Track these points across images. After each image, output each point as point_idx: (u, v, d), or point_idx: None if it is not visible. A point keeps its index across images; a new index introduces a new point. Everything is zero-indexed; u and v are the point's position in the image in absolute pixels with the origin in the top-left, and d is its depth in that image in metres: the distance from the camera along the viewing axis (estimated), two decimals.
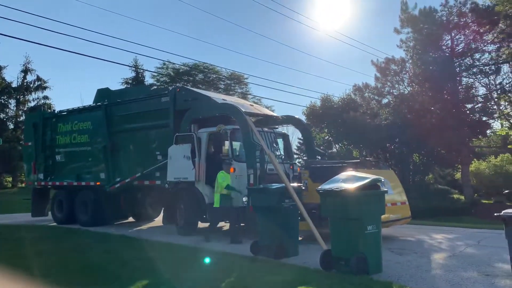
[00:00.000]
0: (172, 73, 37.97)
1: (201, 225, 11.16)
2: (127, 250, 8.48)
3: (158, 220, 13.52)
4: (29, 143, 15.59)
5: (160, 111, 12.01)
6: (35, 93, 39.05)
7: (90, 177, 13.70)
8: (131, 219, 14.70)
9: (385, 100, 28.02)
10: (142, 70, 40.64)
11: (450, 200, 23.29)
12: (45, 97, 39.15)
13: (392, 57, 26.44)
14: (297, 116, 13.06)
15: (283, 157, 11.75)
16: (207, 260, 6.37)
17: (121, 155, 13.02)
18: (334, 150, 31.48)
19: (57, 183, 14.66)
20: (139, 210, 14.27)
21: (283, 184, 8.24)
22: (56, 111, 16.25)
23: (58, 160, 14.82)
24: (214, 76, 38.98)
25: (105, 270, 6.61)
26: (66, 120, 14.80)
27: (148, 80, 40.78)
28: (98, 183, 13.35)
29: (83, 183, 13.80)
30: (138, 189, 13.13)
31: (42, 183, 15.08)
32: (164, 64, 36.80)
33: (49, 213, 15.07)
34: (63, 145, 14.65)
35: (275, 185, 8.13)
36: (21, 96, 38.73)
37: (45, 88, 39.05)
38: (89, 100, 14.90)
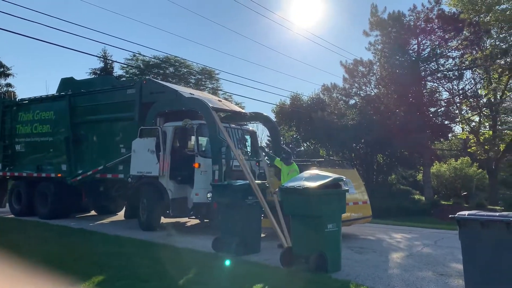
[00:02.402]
0: (142, 66, 37.23)
1: (163, 220, 11.02)
2: (84, 245, 8.29)
3: (121, 215, 13.28)
4: None
5: (125, 103, 11.76)
6: None
7: (51, 169, 13.32)
8: (93, 212, 14.41)
9: (352, 101, 28.52)
10: (111, 61, 39.62)
11: (411, 201, 23.94)
12: (8, 85, 37.70)
13: (360, 59, 26.91)
14: (265, 114, 13.07)
15: (249, 154, 11.75)
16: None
17: (84, 147, 12.72)
18: (302, 148, 31.84)
19: (16, 174, 14.20)
20: (101, 203, 14.00)
21: (247, 181, 8.23)
22: (17, 99, 15.71)
23: (17, 150, 14.37)
24: (185, 70, 38.48)
25: (60, 265, 6.42)
26: (27, 109, 14.34)
27: (117, 71, 39.82)
28: (59, 175, 12.99)
29: (44, 175, 13.41)
30: (100, 182, 12.84)
31: (0, 173, 14.57)
32: (134, 55, 36.03)
33: (7, 204, 14.59)
34: (24, 135, 14.21)
35: (239, 182, 8.12)
36: None
37: (8, 75, 37.61)
38: (54, 90, 14.45)
